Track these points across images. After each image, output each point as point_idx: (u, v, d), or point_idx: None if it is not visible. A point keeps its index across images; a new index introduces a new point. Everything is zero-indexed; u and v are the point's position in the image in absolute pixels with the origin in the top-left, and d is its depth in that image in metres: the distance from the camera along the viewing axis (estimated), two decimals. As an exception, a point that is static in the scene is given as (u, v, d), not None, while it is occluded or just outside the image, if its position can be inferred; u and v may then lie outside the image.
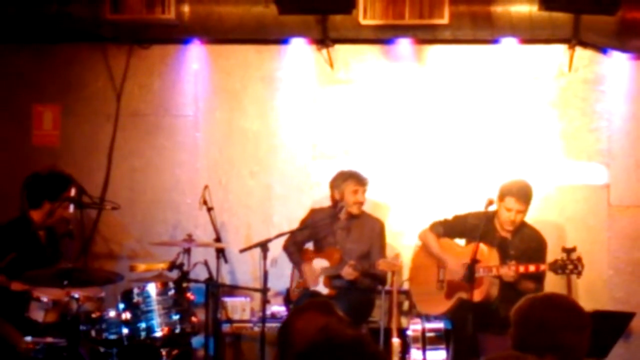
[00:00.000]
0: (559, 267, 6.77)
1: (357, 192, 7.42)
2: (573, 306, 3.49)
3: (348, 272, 7.24)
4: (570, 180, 7.92)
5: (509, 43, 7.88)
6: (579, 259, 6.75)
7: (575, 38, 7.68)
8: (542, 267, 6.85)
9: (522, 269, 6.81)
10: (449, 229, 7.29)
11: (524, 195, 7.03)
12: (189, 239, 7.10)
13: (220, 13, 7.79)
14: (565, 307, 3.46)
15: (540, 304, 3.44)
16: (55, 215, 6.86)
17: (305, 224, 7.57)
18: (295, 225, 7.67)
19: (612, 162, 7.90)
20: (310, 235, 7.61)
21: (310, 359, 2.54)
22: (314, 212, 7.65)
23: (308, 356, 2.55)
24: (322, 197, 7.90)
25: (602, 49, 7.85)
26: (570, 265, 6.74)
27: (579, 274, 6.79)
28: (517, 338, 3.39)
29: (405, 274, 7.62)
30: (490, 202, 6.76)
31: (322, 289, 7.40)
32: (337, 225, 7.50)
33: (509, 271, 6.78)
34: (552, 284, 7.22)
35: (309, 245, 7.67)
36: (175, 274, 6.79)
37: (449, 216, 7.35)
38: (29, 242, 6.74)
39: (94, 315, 6.51)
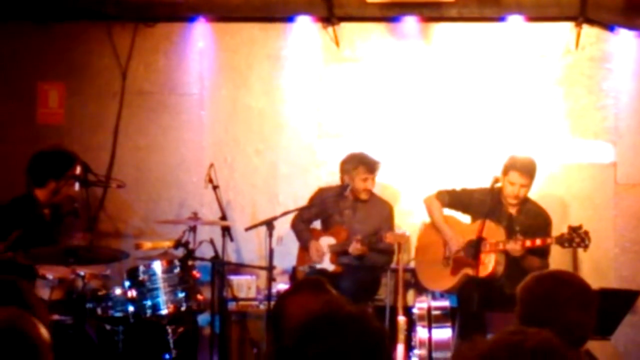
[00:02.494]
0: (565, 240, 6.74)
1: (367, 180, 7.38)
2: (579, 283, 3.49)
3: (355, 247, 7.23)
4: (577, 159, 7.89)
5: (515, 21, 7.84)
6: (586, 233, 6.71)
7: (582, 15, 7.65)
8: (549, 240, 6.83)
9: (528, 243, 6.79)
10: (454, 198, 7.26)
11: (527, 169, 7.00)
12: (195, 217, 7.11)
13: (225, -9, 7.77)
14: (572, 283, 3.46)
15: (547, 281, 3.44)
16: (61, 193, 6.85)
17: (313, 202, 7.56)
18: (300, 203, 7.66)
19: (618, 140, 7.87)
20: (318, 214, 7.59)
21: (312, 333, 2.52)
22: (321, 191, 7.63)
23: (310, 330, 2.53)
24: (327, 176, 7.89)
25: (609, 27, 7.80)
26: (577, 238, 6.71)
27: (586, 247, 6.75)
28: (523, 315, 3.39)
29: (412, 253, 7.61)
30: (497, 180, 6.77)
31: (328, 265, 7.40)
32: (344, 204, 7.48)
33: (516, 245, 6.77)
34: (558, 261, 7.22)
35: (317, 225, 7.66)
36: (180, 252, 6.79)
37: (457, 188, 7.33)
38: (34, 219, 6.74)
39: (99, 293, 6.53)
